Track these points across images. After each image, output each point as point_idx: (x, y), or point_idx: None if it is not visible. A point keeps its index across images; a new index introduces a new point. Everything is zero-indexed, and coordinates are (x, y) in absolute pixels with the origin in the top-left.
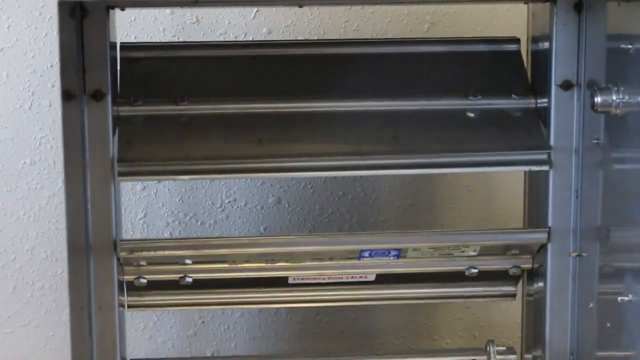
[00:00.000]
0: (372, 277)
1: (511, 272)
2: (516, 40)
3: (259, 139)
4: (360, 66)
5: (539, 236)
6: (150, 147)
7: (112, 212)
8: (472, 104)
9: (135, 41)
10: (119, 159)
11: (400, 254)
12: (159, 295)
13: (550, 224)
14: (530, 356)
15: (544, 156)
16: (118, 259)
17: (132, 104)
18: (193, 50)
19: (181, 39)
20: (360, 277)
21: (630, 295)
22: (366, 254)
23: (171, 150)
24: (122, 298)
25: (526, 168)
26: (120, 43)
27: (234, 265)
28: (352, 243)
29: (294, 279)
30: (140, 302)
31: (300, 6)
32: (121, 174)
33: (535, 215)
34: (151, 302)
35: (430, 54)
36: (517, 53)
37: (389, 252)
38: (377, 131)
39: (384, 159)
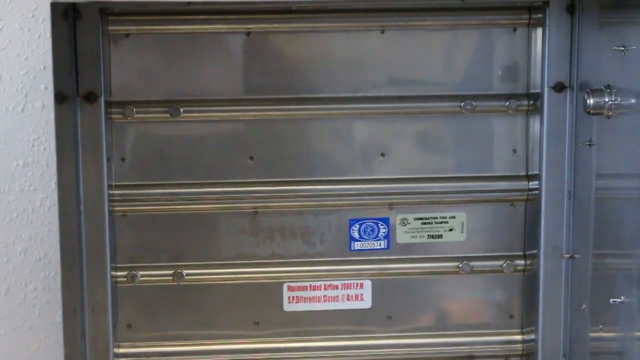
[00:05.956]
0: (367, 284)
1: (506, 271)
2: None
3: (251, 156)
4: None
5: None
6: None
7: (105, 214)
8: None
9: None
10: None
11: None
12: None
13: (543, 225)
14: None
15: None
16: (111, 261)
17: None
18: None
19: None
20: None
21: (622, 297)
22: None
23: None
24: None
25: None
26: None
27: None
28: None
29: None
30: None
31: (292, 8)
32: (115, 211)
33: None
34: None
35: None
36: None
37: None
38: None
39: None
